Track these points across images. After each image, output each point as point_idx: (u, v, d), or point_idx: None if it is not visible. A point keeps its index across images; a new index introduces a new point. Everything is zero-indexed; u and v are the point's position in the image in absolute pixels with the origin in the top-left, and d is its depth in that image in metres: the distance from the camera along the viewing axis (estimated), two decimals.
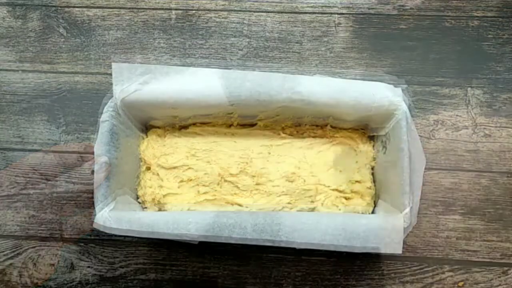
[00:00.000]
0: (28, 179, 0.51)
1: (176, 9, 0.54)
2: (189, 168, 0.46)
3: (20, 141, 0.51)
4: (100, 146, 0.40)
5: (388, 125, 0.42)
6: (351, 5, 0.54)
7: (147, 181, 0.46)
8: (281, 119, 0.46)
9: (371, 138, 0.47)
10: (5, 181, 0.51)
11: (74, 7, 0.55)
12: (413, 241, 0.48)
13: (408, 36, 0.53)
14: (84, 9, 0.55)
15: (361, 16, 0.53)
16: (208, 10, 0.54)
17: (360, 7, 0.54)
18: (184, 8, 0.54)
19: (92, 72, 0.53)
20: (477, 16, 0.53)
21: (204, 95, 0.40)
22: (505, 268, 0.47)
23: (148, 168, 0.47)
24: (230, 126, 0.48)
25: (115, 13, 0.54)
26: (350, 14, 0.54)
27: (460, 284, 0.47)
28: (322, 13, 0.54)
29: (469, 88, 0.51)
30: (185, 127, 0.48)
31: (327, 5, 0.54)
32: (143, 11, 0.54)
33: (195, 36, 0.54)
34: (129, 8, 0.55)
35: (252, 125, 0.48)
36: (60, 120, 0.52)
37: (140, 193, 0.46)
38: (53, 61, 0.53)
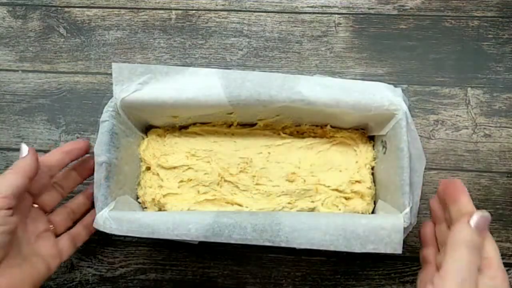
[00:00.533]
0: None
1: (176, 9, 0.55)
2: (189, 168, 0.46)
3: (20, 141, 0.51)
4: (100, 146, 0.40)
5: (388, 125, 0.42)
6: (351, 5, 0.54)
7: (147, 181, 0.46)
8: (281, 119, 0.46)
9: (371, 138, 0.47)
10: None
11: (74, 7, 0.55)
12: (413, 241, 0.48)
13: (408, 36, 0.53)
14: (84, 9, 0.55)
15: (361, 16, 0.53)
16: (208, 10, 0.54)
17: (360, 7, 0.54)
18: (184, 8, 0.55)
19: (92, 72, 0.53)
20: (477, 16, 0.53)
21: (204, 95, 0.40)
22: (505, 268, 0.47)
23: (148, 168, 0.47)
24: (230, 126, 0.47)
25: (115, 13, 0.55)
26: (350, 14, 0.54)
27: None
28: (322, 13, 0.54)
29: (469, 88, 0.51)
30: (185, 127, 0.48)
31: (327, 5, 0.54)
32: (143, 11, 0.55)
33: (195, 36, 0.54)
34: (129, 8, 0.55)
35: (252, 125, 0.47)
36: (60, 120, 0.52)
37: (140, 193, 0.46)
38: (53, 61, 0.53)
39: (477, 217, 0.33)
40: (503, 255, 0.47)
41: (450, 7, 0.53)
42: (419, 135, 0.50)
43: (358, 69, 0.52)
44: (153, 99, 0.41)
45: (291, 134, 0.47)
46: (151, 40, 0.54)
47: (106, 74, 0.53)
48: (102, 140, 0.40)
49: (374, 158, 0.46)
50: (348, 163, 0.46)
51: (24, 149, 0.38)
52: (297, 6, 0.54)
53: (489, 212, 0.48)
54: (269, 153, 0.46)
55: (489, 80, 0.51)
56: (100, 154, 0.40)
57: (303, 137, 0.47)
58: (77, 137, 0.51)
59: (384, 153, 0.43)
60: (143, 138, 0.47)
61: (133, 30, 0.54)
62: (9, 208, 0.35)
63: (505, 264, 0.47)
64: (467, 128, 0.50)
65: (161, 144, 0.47)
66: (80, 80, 0.53)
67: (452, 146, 0.50)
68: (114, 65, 0.41)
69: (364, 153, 0.46)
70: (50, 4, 0.55)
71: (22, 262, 0.38)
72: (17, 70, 0.53)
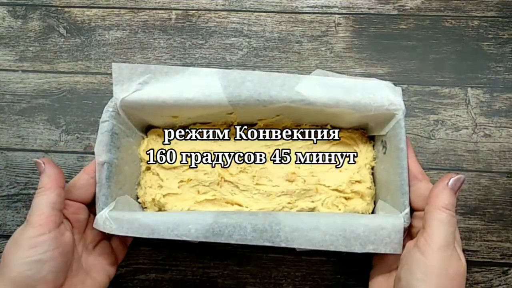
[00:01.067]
0: (28, 179, 0.51)
1: (176, 9, 0.55)
2: (189, 168, 0.46)
3: (20, 141, 0.51)
4: (100, 146, 0.40)
5: (388, 125, 0.41)
6: (351, 5, 0.54)
7: (147, 181, 0.46)
8: (281, 119, 0.45)
9: (371, 138, 0.47)
10: (5, 181, 0.51)
11: (74, 7, 0.55)
12: None
13: (408, 36, 0.53)
14: (84, 9, 0.55)
15: (361, 16, 0.53)
16: (208, 10, 0.54)
17: (360, 7, 0.54)
18: (184, 8, 0.55)
19: (92, 72, 0.53)
20: (477, 16, 0.53)
21: (204, 95, 0.40)
22: (505, 268, 0.47)
23: (148, 168, 0.47)
24: (230, 126, 0.47)
25: (115, 13, 0.54)
26: (350, 14, 0.54)
27: None
28: (322, 13, 0.54)
29: (469, 88, 0.51)
30: (185, 127, 0.48)
31: (327, 5, 0.54)
32: (143, 11, 0.55)
33: (195, 36, 0.54)
34: (129, 8, 0.55)
35: (252, 124, 0.48)
36: (60, 120, 0.52)
37: (140, 193, 0.46)
38: (53, 61, 0.53)
39: (455, 179, 0.36)
40: (502, 255, 0.47)
41: (450, 7, 0.53)
42: (419, 135, 0.50)
43: (358, 69, 0.52)
44: (153, 99, 0.41)
45: (292, 134, 0.47)
46: (151, 40, 0.54)
47: (106, 74, 0.53)
48: (102, 140, 0.40)
49: (374, 158, 0.46)
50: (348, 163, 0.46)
51: (40, 164, 0.38)
52: (297, 6, 0.54)
53: (489, 212, 0.48)
54: (269, 153, 0.46)
55: (489, 80, 0.51)
56: (101, 154, 0.40)
57: (304, 137, 0.47)
58: (77, 137, 0.51)
59: (384, 153, 0.43)
60: (143, 138, 0.47)
61: (133, 30, 0.54)
62: (56, 227, 0.35)
63: (505, 264, 0.47)
64: (467, 128, 0.50)
65: (161, 144, 0.47)
66: (80, 80, 0.53)
67: (452, 146, 0.50)
68: (114, 65, 0.41)
69: (364, 153, 0.46)
70: (50, 4, 0.55)
71: (85, 279, 0.38)
72: (17, 70, 0.53)
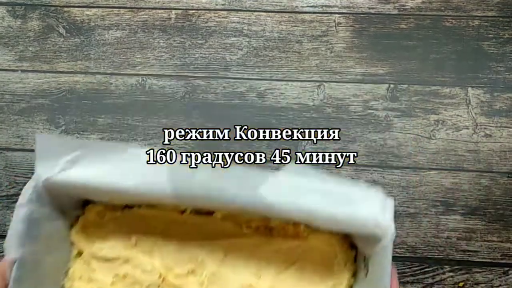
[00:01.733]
0: (27, 179, 0.50)
1: (175, 9, 0.54)
2: (126, 261, 0.37)
3: (20, 141, 0.51)
4: (11, 238, 0.32)
5: (372, 247, 0.32)
6: (351, 5, 0.54)
7: (75, 271, 0.37)
8: (245, 214, 0.36)
9: (354, 247, 0.36)
10: (4, 181, 0.51)
11: (73, 6, 0.55)
12: (413, 241, 0.47)
13: (409, 36, 0.53)
14: (84, 8, 0.55)
15: (361, 15, 0.53)
16: (208, 9, 0.54)
17: (361, 7, 0.54)
18: (184, 7, 0.54)
19: (91, 72, 0.53)
20: (477, 16, 0.53)
21: (145, 183, 0.33)
22: (506, 269, 0.47)
23: (80, 254, 0.38)
24: (182, 212, 0.37)
25: (114, 13, 0.54)
26: (350, 13, 0.53)
27: (461, 284, 0.47)
28: (322, 13, 0.54)
29: (469, 88, 0.51)
30: (130, 206, 0.38)
31: (327, 4, 0.54)
32: (143, 11, 0.54)
33: (195, 35, 0.54)
34: (129, 8, 0.55)
35: (209, 212, 0.37)
36: (59, 120, 0.52)
37: (66, 285, 0.37)
38: (53, 61, 0.53)
39: None
40: (503, 255, 0.47)
41: (450, 6, 0.53)
42: (420, 135, 0.50)
43: (358, 68, 0.52)
44: (82, 183, 0.33)
45: (258, 229, 0.37)
46: (150, 39, 0.53)
47: (106, 74, 0.53)
48: (16, 231, 0.32)
49: (354, 273, 0.36)
50: (322, 276, 0.36)
51: None
52: (297, 6, 0.54)
53: (490, 212, 0.48)
54: (225, 254, 0.37)
55: (490, 79, 0.51)
56: (11, 250, 0.32)
57: (272, 236, 0.37)
58: (76, 137, 0.51)
59: (366, 275, 0.34)
60: (79, 216, 0.38)
61: (132, 30, 0.54)
62: None
63: (506, 265, 0.47)
64: (468, 128, 0.50)
65: (98, 226, 0.38)
66: (79, 80, 0.53)
67: (453, 146, 0.50)
68: (37, 136, 0.33)
69: (342, 266, 0.36)
70: (50, 4, 0.55)
71: None
72: (17, 70, 0.53)
